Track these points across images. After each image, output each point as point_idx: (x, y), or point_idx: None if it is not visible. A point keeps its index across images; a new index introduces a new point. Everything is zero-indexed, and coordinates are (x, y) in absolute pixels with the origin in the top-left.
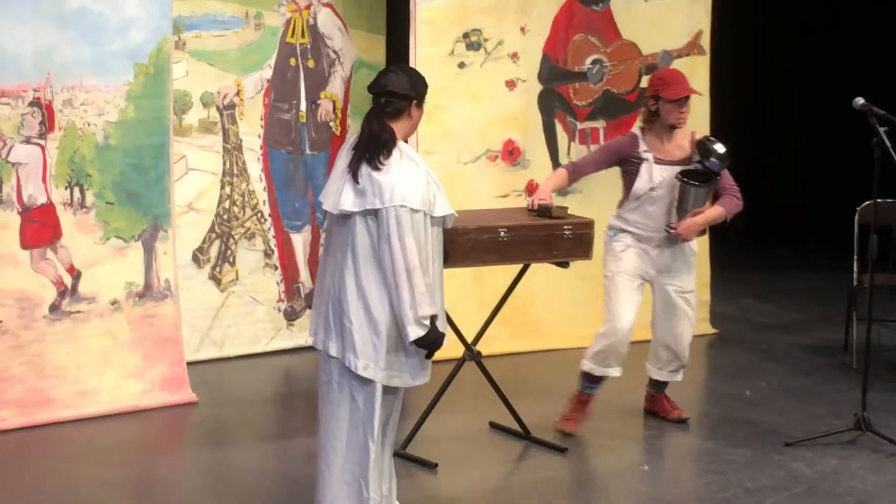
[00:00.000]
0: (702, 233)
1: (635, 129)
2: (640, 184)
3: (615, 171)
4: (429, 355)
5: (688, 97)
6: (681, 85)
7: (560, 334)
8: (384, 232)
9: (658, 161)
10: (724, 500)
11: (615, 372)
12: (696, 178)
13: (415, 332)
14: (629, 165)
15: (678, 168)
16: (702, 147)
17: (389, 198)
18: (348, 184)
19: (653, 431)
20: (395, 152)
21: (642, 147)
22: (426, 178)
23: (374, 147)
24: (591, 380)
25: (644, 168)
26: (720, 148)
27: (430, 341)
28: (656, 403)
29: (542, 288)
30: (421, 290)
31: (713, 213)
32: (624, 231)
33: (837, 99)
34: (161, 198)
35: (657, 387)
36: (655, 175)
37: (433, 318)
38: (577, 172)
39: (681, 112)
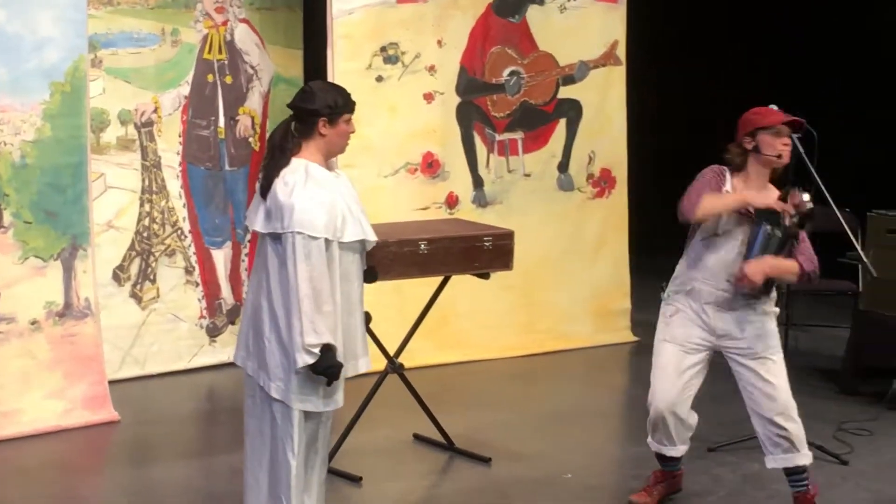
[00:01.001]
0: (767, 289)
1: (725, 169)
2: (708, 225)
3: (536, 182)
4: (328, 383)
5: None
6: (779, 115)
7: (483, 345)
8: (283, 256)
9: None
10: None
11: (670, 451)
12: (770, 228)
13: (302, 359)
14: None
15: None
16: (785, 201)
17: (288, 222)
18: (262, 203)
19: (578, 440)
20: (301, 173)
21: (727, 185)
22: (332, 202)
23: (269, 163)
24: (657, 456)
25: None
26: (809, 202)
27: (323, 369)
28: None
29: (464, 299)
30: (309, 318)
31: (787, 263)
32: (679, 293)
33: (754, 104)
34: (80, 216)
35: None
36: (727, 218)
37: (326, 347)
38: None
39: (784, 143)
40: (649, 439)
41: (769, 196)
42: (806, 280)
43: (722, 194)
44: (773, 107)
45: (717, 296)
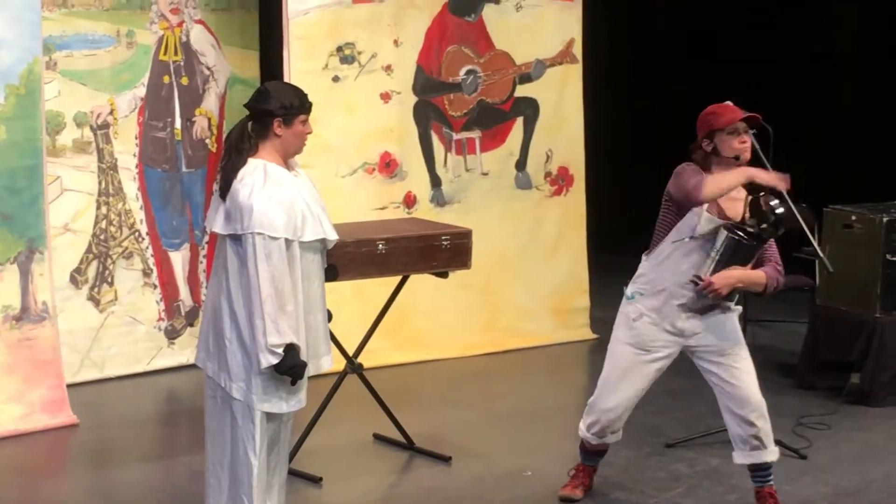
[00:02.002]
0: (730, 296)
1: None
2: (683, 227)
3: (493, 181)
4: (292, 382)
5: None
6: (735, 112)
7: (442, 344)
8: (243, 257)
9: (712, 208)
10: (607, 502)
11: (610, 439)
12: (744, 235)
13: (266, 359)
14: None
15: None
16: (756, 207)
17: (248, 223)
18: (221, 204)
19: (538, 438)
20: (260, 174)
21: None
22: (291, 202)
23: (226, 164)
24: (585, 450)
25: (695, 211)
26: (779, 208)
27: (286, 369)
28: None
29: (423, 298)
30: (272, 318)
31: (755, 274)
32: (644, 293)
33: (710, 101)
34: (36, 219)
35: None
36: (704, 223)
37: (289, 347)
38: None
39: (741, 141)
40: (586, 433)
41: (772, 174)
42: (771, 291)
43: (726, 171)
44: (729, 103)
45: (688, 297)
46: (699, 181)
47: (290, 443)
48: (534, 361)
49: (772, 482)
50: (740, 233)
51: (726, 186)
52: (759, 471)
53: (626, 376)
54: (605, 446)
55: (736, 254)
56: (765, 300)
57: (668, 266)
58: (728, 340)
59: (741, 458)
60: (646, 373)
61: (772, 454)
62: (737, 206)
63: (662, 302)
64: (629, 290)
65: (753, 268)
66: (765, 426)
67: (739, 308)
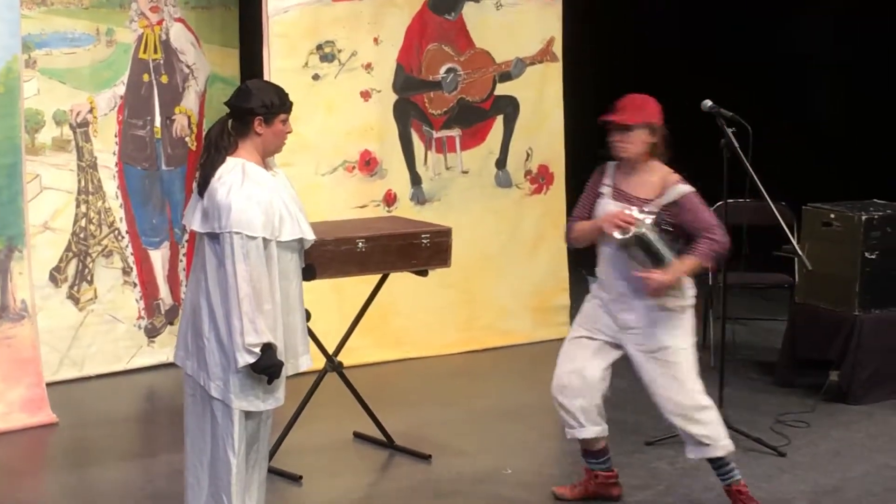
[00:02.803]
0: (679, 294)
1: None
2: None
3: (474, 179)
4: (269, 381)
5: (625, 126)
6: (614, 110)
7: (422, 343)
8: (221, 256)
9: (618, 195)
10: (586, 500)
11: (580, 433)
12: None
13: (243, 358)
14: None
15: (637, 207)
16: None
17: (225, 222)
18: (199, 202)
19: (518, 437)
20: (238, 173)
21: (606, 179)
22: (269, 201)
23: (205, 161)
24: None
25: (599, 202)
26: (639, 220)
27: (263, 368)
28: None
29: (403, 297)
30: (250, 318)
31: (686, 265)
32: (595, 282)
33: (688, 101)
34: (15, 218)
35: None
36: (606, 210)
37: (267, 346)
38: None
39: (615, 140)
40: (566, 429)
41: (608, 217)
42: (716, 260)
43: (583, 224)
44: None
45: (622, 290)
46: (570, 228)
47: (270, 441)
48: (514, 360)
49: (737, 478)
50: (649, 235)
51: (588, 235)
52: (718, 467)
53: (572, 356)
54: (595, 447)
55: (660, 244)
56: (744, 298)
57: (604, 259)
58: (659, 340)
59: (690, 452)
60: (589, 353)
61: (719, 450)
62: (650, 189)
63: (606, 290)
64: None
65: (688, 240)
66: (697, 429)
67: (691, 302)
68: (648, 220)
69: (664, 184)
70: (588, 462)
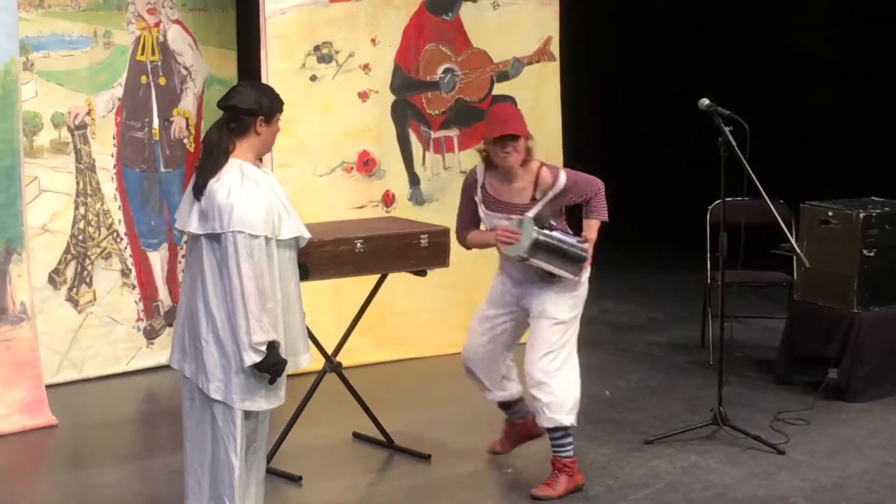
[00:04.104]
0: (551, 276)
1: (479, 166)
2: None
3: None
4: (272, 380)
5: (511, 137)
6: (498, 125)
7: (421, 343)
8: (223, 257)
9: (495, 205)
10: (586, 499)
11: (489, 395)
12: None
13: (250, 357)
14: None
15: (511, 215)
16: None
17: (228, 222)
18: (195, 203)
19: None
20: (236, 173)
21: (480, 182)
22: (269, 200)
23: (205, 163)
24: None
25: (482, 211)
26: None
27: (268, 367)
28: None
29: (402, 297)
30: (256, 317)
31: (594, 232)
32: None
33: (686, 99)
34: (14, 220)
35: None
36: (493, 222)
37: (271, 344)
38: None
39: (504, 152)
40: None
41: (495, 235)
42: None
43: (482, 233)
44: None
45: (521, 279)
46: (462, 234)
47: (270, 442)
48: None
49: (566, 451)
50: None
51: (484, 244)
52: (553, 438)
53: (477, 322)
54: (506, 401)
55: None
56: (743, 296)
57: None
58: (537, 308)
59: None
60: (492, 322)
61: (547, 421)
62: (524, 195)
63: (510, 276)
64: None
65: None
66: (539, 395)
67: (577, 281)
68: (532, 230)
69: (538, 184)
70: (505, 413)
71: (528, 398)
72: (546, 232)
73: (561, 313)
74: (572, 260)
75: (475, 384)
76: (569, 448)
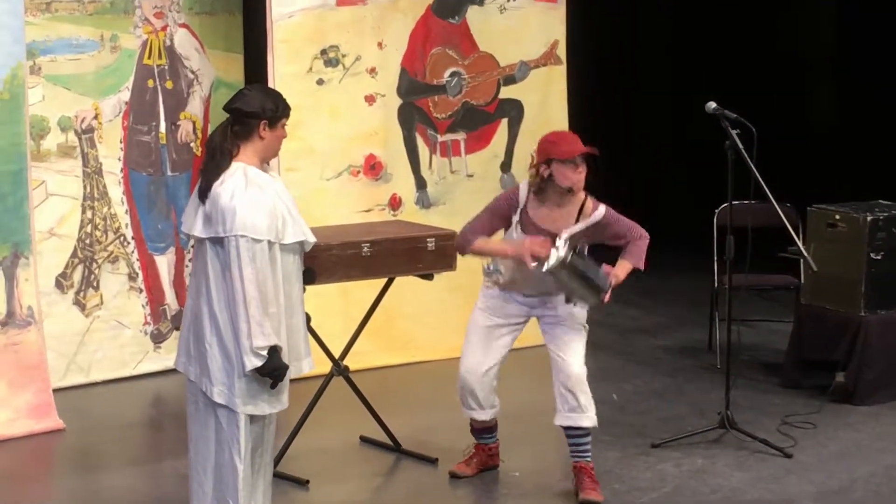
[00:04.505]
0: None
1: (523, 184)
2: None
3: (479, 182)
4: (273, 385)
5: (585, 156)
6: (574, 144)
7: (428, 346)
8: (226, 261)
9: (535, 229)
10: None
11: (477, 415)
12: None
13: (251, 362)
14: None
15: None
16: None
17: (231, 226)
18: (200, 207)
19: (524, 439)
20: (240, 177)
21: (521, 202)
22: (273, 204)
23: (209, 165)
24: (471, 429)
25: (514, 230)
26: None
27: (269, 371)
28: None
29: (410, 300)
30: (257, 321)
31: (623, 272)
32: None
33: (692, 101)
34: (21, 224)
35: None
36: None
37: (272, 349)
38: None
39: (577, 173)
40: (463, 408)
41: (523, 246)
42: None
43: (492, 241)
44: (571, 133)
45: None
46: (471, 239)
47: (276, 446)
48: (519, 362)
49: (587, 457)
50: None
51: (488, 253)
52: (583, 440)
53: (480, 339)
54: (488, 424)
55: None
56: (750, 299)
57: (523, 272)
58: (563, 310)
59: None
60: (491, 342)
61: (587, 420)
62: (561, 222)
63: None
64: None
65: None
66: (581, 397)
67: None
68: (564, 248)
69: (583, 211)
70: (480, 438)
71: (561, 400)
72: (576, 255)
73: (583, 318)
74: (593, 289)
75: (464, 403)
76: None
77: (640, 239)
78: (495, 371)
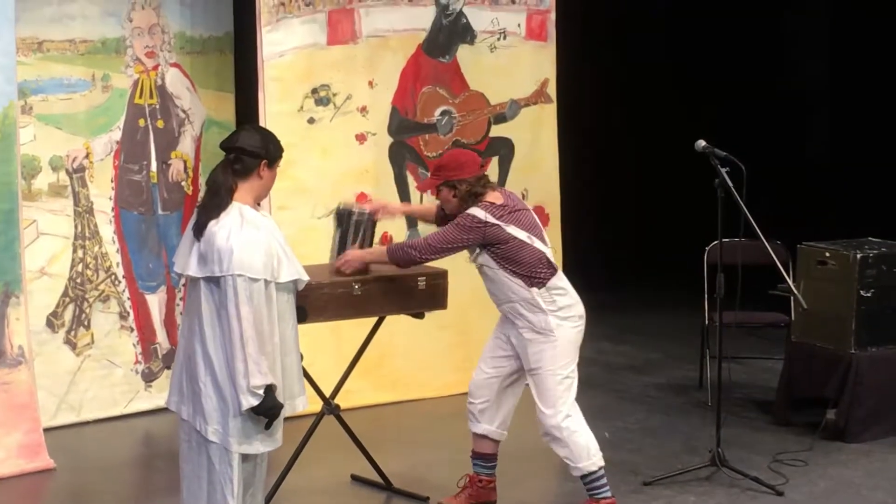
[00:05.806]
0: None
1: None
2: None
3: None
4: (268, 424)
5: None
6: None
7: (420, 384)
8: (222, 300)
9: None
10: None
11: (471, 426)
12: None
13: (247, 401)
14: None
15: None
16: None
17: (227, 265)
18: (195, 245)
19: (515, 476)
20: (236, 216)
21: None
22: (268, 243)
23: (209, 203)
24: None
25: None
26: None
27: (265, 410)
28: None
29: (401, 338)
30: (255, 360)
31: (376, 251)
32: None
33: (682, 141)
34: (12, 263)
35: None
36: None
37: (268, 388)
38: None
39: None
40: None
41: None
42: (401, 263)
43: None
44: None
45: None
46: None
47: (268, 484)
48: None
49: (600, 494)
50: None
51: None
52: (585, 485)
53: (486, 348)
54: (483, 448)
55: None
56: (741, 337)
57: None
58: (528, 361)
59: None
60: (496, 359)
61: (575, 471)
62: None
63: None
64: None
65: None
66: (557, 448)
67: (551, 327)
68: (367, 210)
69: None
70: (476, 464)
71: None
72: (362, 221)
73: (542, 325)
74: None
75: (470, 413)
76: (605, 489)
77: (412, 246)
78: (495, 386)
